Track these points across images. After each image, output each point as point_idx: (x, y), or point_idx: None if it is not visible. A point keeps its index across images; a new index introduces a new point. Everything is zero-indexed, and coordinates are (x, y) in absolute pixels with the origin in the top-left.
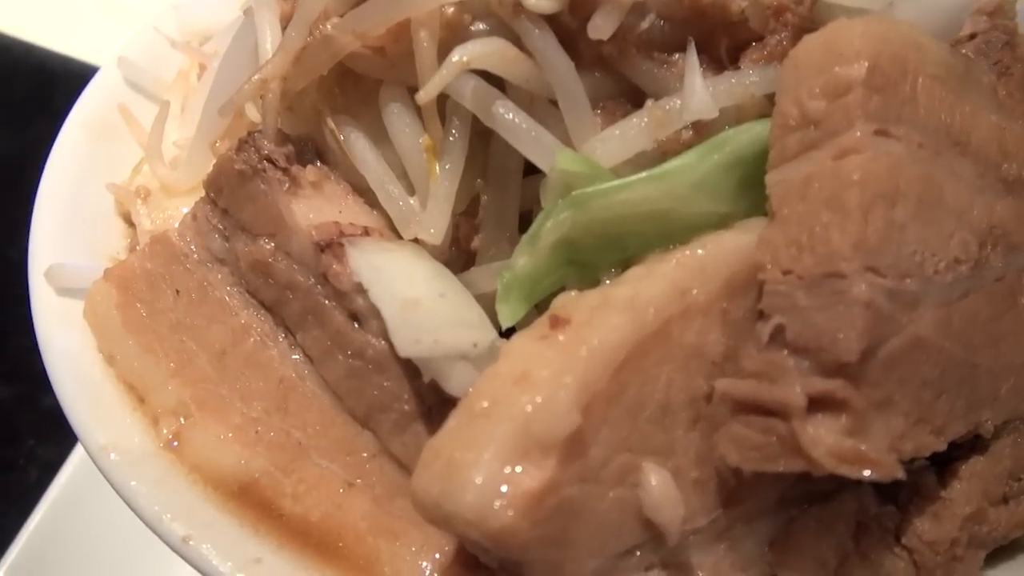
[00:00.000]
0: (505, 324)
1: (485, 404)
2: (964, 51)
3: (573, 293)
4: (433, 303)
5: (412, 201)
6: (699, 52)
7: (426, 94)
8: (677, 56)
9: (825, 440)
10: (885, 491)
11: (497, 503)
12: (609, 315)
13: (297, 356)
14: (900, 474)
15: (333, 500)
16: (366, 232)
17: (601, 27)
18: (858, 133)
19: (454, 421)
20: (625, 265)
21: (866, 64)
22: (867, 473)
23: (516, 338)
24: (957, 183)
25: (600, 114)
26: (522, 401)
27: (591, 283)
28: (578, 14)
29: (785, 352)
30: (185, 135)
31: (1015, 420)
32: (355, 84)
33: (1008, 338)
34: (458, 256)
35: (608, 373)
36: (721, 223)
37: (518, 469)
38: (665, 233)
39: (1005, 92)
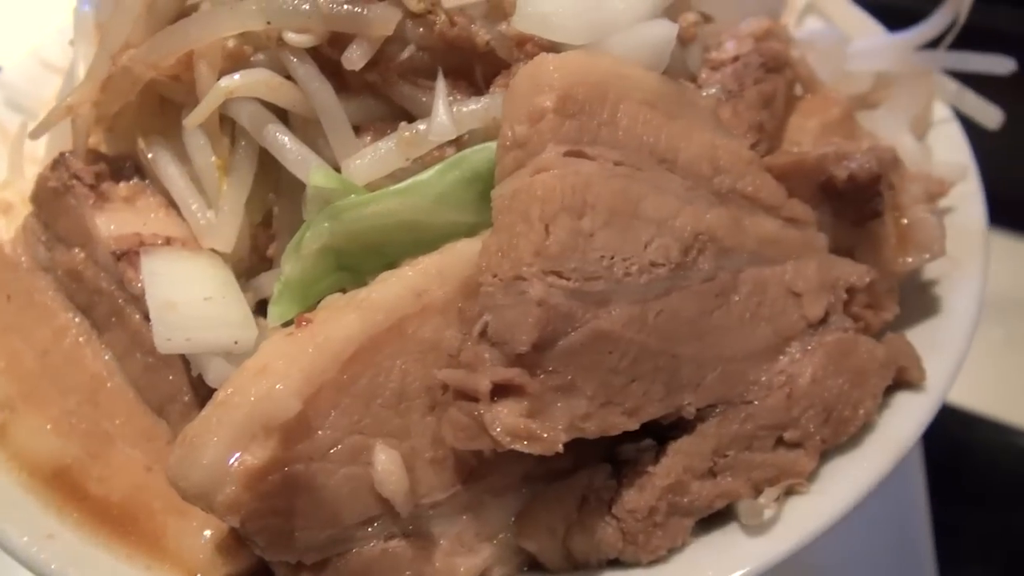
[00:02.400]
0: (272, 324)
1: (228, 392)
2: (726, 71)
3: (336, 295)
4: (193, 305)
5: (209, 214)
6: (458, 78)
7: (190, 121)
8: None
9: (504, 420)
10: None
11: (222, 480)
12: (344, 314)
13: (107, 355)
14: (559, 448)
15: (133, 482)
16: (168, 242)
17: (354, 60)
18: (550, 155)
19: (205, 409)
20: (388, 269)
21: (558, 94)
22: (536, 448)
23: (270, 336)
24: (661, 195)
25: (371, 134)
26: (255, 389)
27: (362, 286)
28: (337, 47)
29: (485, 345)
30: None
31: (722, 404)
32: (164, 107)
33: (716, 332)
34: (259, 263)
35: (337, 365)
36: (470, 231)
37: (243, 449)
38: (418, 241)
39: (731, 112)
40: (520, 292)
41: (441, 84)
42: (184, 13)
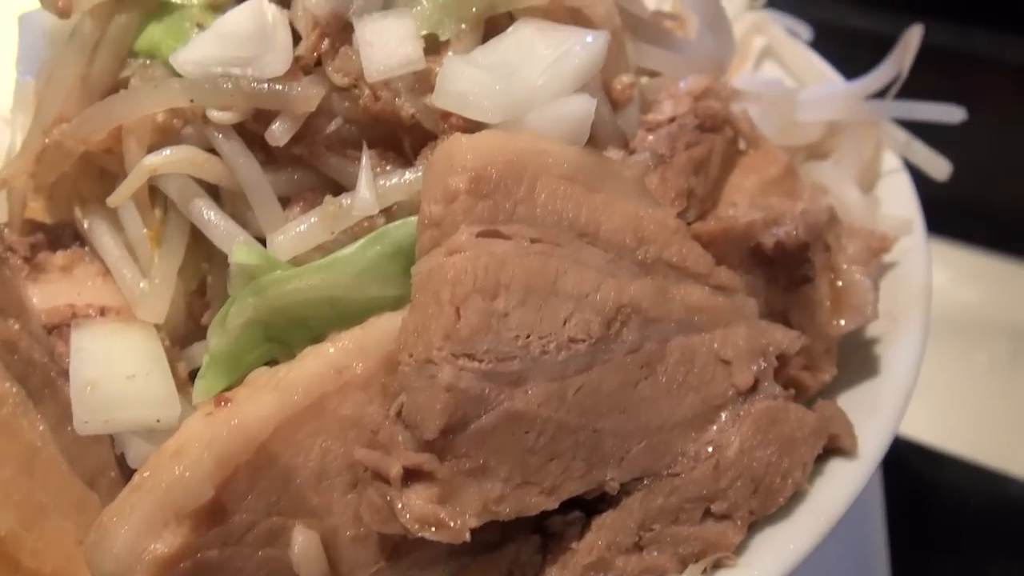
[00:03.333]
0: (197, 399)
1: (144, 476)
2: (662, 133)
3: (263, 369)
4: (115, 383)
5: (143, 283)
6: (386, 148)
7: (114, 199)
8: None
9: (413, 507)
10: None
11: (131, 569)
12: (262, 394)
13: (42, 426)
14: (465, 537)
15: (65, 554)
16: (102, 312)
17: (277, 136)
18: (463, 236)
19: (122, 492)
20: (315, 342)
21: (471, 175)
22: (444, 536)
23: (194, 413)
24: (581, 270)
25: (300, 205)
26: (168, 474)
27: (291, 356)
28: (262, 122)
29: (400, 426)
30: None
31: (648, 476)
32: (103, 174)
33: (641, 404)
34: (195, 329)
35: (253, 446)
36: (395, 304)
37: (156, 536)
38: (343, 315)
39: (659, 180)
40: (430, 376)
41: (365, 159)
42: (118, 86)
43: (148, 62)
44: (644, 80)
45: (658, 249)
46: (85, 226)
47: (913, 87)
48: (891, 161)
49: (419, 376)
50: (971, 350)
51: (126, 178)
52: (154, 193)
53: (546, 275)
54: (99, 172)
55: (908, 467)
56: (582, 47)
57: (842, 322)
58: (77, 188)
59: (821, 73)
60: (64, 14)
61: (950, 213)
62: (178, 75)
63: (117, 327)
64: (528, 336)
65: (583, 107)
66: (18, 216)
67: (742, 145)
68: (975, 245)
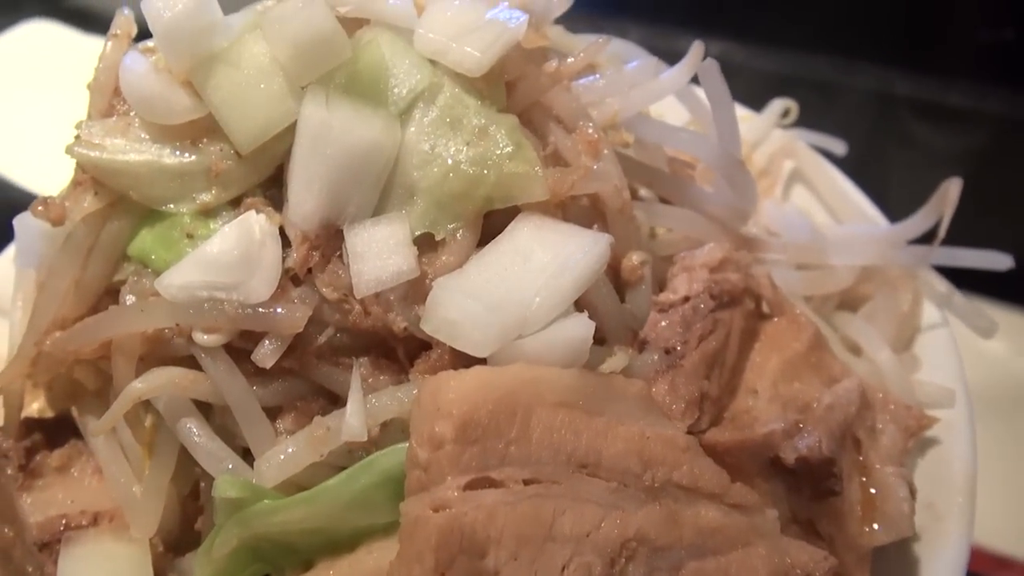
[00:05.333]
0: None
1: None
2: (675, 317)
3: None
4: None
5: (135, 489)
6: (380, 356)
7: (98, 428)
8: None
9: None
10: None
11: None
12: None
13: None
14: None
15: None
16: (95, 519)
17: (265, 357)
18: (449, 491)
19: None
20: (306, 566)
21: (457, 421)
22: None
23: None
24: (581, 507)
25: (293, 414)
26: None
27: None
28: (250, 340)
29: None
30: None
31: None
32: (98, 369)
33: None
34: (188, 533)
35: None
36: (387, 530)
37: None
38: (331, 542)
39: (668, 388)
40: None
41: (356, 380)
42: (112, 288)
43: (139, 271)
44: (660, 232)
45: (666, 471)
46: (80, 424)
47: None
48: (931, 314)
49: None
50: None
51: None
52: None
53: (541, 520)
54: (98, 371)
55: None
56: (583, 254)
57: (875, 527)
58: (75, 383)
59: (855, 205)
60: (57, 223)
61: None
62: None
63: (106, 547)
64: None
65: (581, 330)
66: (14, 420)
67: (764, 307)
68: None
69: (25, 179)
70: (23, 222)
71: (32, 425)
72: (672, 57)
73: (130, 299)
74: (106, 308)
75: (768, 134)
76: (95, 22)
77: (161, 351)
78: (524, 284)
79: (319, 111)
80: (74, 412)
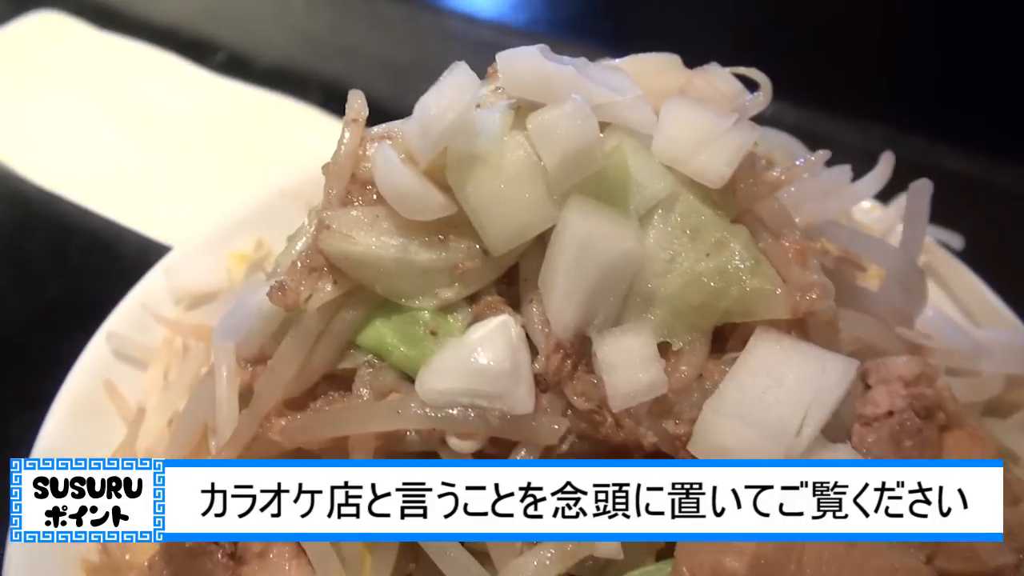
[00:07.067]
0: None
1: None
2: (882, 432)
3: None
4: None
5: None
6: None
7: None
8: None
9: None
10: None
11: None
12: None
13: None
14: None
15: None
16: None
17: None
18: None
19: None
20: None
21: (748, 559)
22: None
23: None
24: None
25: None
26: None
27: None
28: (497, 447)
29: None
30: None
31: None
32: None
33: None
34: None
35: None
36: None
37: None
38: None
39: None
40: None
41: None
42: (332, 373)
43: (374, 364)
44: None
45: None
46: None
47: None
48: None
49: None
50: None
51: None
52: None
53: None
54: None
55: None
56: (834, 385)
57: None
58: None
59: (991, 307)
60: (291, 310)
61: None
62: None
63: None
64: None
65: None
66: None
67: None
68: None
69: (30, 170)
70: (245, 297)
71: None
72: None
73: (365, 392)
74: (324, 392)
75: (895, 227)
76: (100, 13)
77: (395, 446)
78: (785, 411)
79: (583, 220)
80: None
